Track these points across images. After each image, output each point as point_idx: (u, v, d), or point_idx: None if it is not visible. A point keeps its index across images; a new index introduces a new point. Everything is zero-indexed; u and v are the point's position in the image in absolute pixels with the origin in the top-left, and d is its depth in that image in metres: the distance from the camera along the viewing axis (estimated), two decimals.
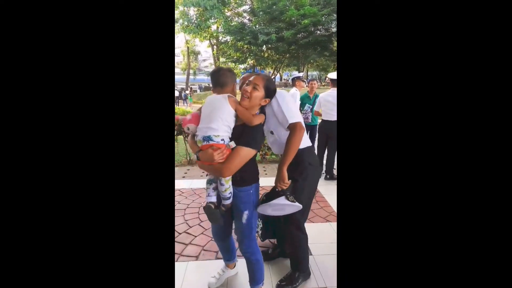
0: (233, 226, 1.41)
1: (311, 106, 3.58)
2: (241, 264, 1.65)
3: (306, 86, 4.02)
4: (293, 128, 1.20)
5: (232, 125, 1.18)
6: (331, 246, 1.89)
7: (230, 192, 1.25)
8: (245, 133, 1.16)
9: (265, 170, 3.64)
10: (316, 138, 3.49)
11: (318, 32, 15.28)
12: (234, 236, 1.49)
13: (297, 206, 1.27)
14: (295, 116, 1.23)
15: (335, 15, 14.34)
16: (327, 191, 2.86)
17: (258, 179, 1.33)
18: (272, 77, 17.51)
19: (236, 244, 1.62)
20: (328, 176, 3.23)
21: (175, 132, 3.58)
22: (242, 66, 18.58)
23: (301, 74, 4.21)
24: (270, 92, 1.22)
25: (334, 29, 15.05)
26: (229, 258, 1.61)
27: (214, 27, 17.91)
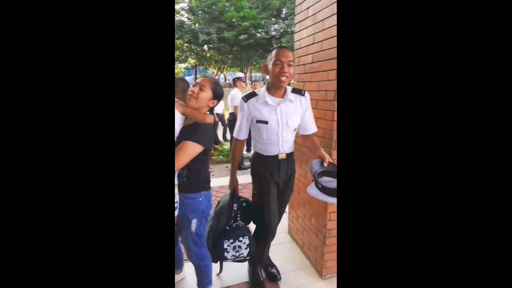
0: (179, 238, 1.34)
1: None
2: (188, 267, 1.61)
3: (250, 86, 4.12)
4: (315, 135, 1.45)
5: (178, 128, 1.19)
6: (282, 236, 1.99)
7: (176, 202, 1.18)
8: (192, 130, 1.16)
9: (212, 172, 3.61)
10: None
11: (259, 35, 15.78)
12: (181, 244, 1.43)
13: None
14: None
15: (273, 19, 15.05)
16: None
17: (210, 187, 1.26)
18: (216, 77, 17.36)
19: (183, 250, 1.57)
20: None
21: None
22: (182, 65, 17.90)
23: (242, 75, 4.31)
24: (217, 94, 1.23)
25: (273, 33, 15.78)
26: (175, 266, 1.55)
27: None
